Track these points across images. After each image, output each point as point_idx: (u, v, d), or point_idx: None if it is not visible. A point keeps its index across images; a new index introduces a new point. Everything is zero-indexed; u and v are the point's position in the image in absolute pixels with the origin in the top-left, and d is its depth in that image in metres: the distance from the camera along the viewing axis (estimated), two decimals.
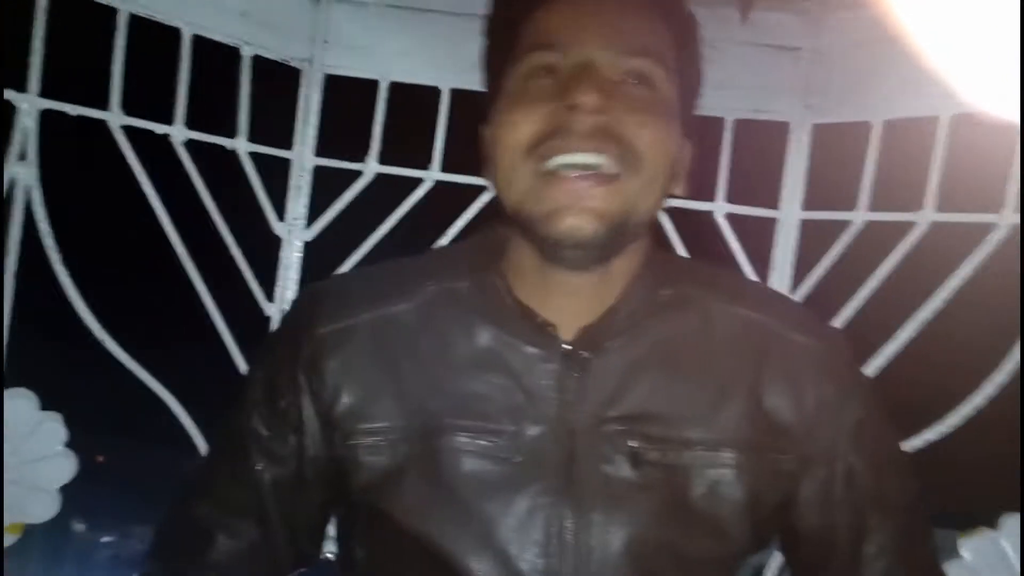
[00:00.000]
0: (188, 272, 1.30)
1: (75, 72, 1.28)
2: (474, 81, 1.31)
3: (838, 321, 1.30)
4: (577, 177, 0.68)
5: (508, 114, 0.71)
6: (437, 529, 0.72)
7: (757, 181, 1.41)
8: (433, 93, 1.37)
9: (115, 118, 1.22)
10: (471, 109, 1.33)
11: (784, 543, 0.82)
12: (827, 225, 1.35)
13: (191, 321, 1.37)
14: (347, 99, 1.43)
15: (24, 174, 1.17)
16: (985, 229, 1.21)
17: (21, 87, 1.15)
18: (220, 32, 1.28)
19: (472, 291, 0.77)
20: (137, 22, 1.22)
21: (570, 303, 0.75)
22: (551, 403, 0.73)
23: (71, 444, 1.23)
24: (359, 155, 1.40)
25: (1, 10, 1.05)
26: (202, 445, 1.31)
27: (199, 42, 1.27)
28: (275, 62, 1.34)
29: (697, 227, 1.35)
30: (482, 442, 0.73)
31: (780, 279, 1.35)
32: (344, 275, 1.05)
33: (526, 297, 0.75)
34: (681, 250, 1.34)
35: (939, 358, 1.36)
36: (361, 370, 0.76)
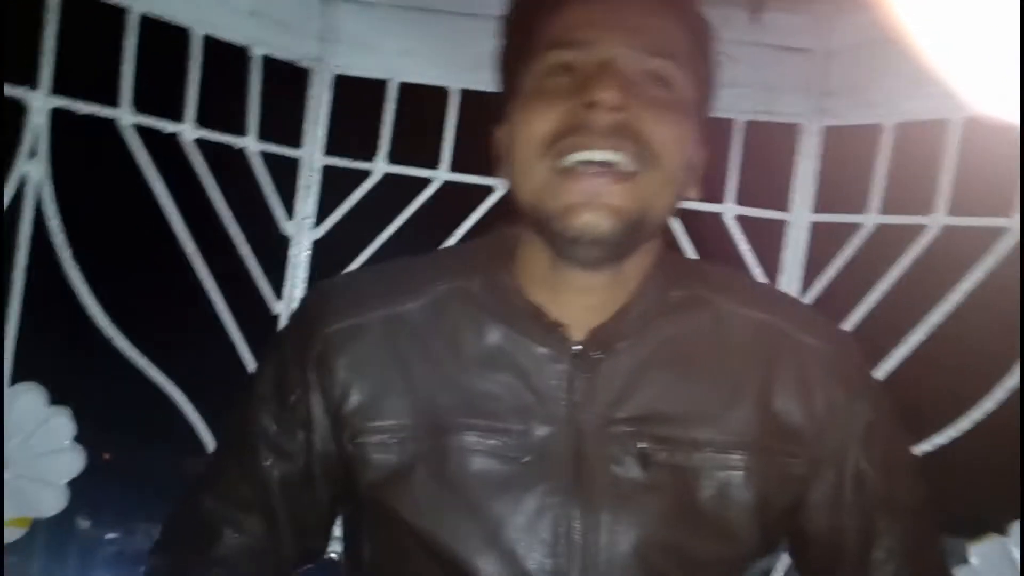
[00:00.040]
0: (197, 270, 1.31)
1: (86, 70, 1.28)
2: (483, 81, 1.32)
3: (848, 325, 1.29)
4: (594, 174, 0.68)
5: (526, 111, 0.71)
6: (444, 528, 0.72)
7: (767, 183, 1.40)
8: (442, 93, 1.37)
9: (125, 116, 1.23)
10: (480, 109, 1.34)
11: (792, 546, 0.82)
12: (837, 228, 1.34)
13: (199, 319, 1.38)
14: (356, 99, 1.43)
15: (35, 171, 1.18)
16: (996, 233, 1.21)
17: (32, 85, 1.16)
18: (230, 32, 1.28)
19: (482, 290, 0.77)
20: (147, 21, 1.22)
21: (581, 303, 0.75)
22: (560, 403, 0.73)
23: (78, 440, 1.24)
24: (368, 155, 1.40)
25: (13, 9, 1.06)
26: (209, 443, 1.31)
27: (209, 41, 1.27)
28: (284, 62, 1.34)
29: (706, 229, 1.35)
30: (491, 441, 0.73)
31: (789, 282, 1.35)
32: (354, 273, 1.05)
33: (536, 297, 0.75)
34: (690, 252, 1.34)
35: (949, 362, 1.36)
36: (371, 368, 0.76)
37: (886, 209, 1.30)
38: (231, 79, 1.32)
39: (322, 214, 1.41)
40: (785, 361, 0.76)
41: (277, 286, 1.39)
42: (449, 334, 0.76)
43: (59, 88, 1.18)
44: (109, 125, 1.22)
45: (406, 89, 1.38)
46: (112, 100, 1.22)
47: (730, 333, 0.77)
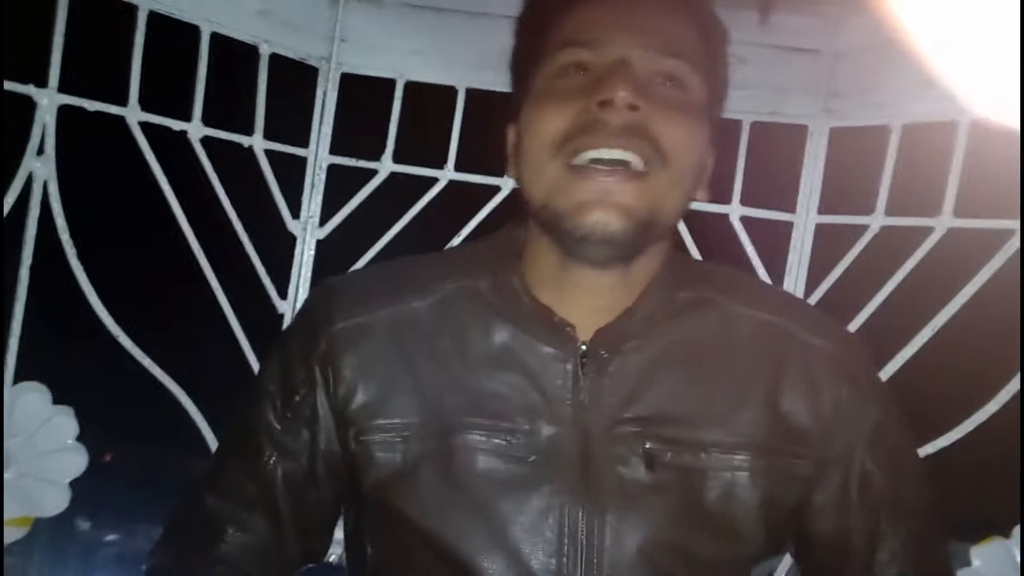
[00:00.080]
0: (202, 268, 1.31)
1: (94, 68, 1.28)
2: (490, 81, 1.32)
3: (852, 326, 1.29)
4: (606, 173, 0.68)
5: (538, 110, 0.71)
6: (449, 527, 0.72)
7: (773, 184, 1.40)
8: (449, 92, 1.37)
9: (133, 114, 1.23)
10: (487, 109, 1.34)
11: (797, 547, 0.82)
12: (843, 229, 1.34)
13: (204, 318, 1.38)
14: (363, 98, 1.43)
15: (42, 168, 1.18)
16: (1003, 235, 1.20)
17: (40, 82, 1.16)
18: (238, 30, 1.29)
19: (489, 289, 0.77)
20: (156, 19, 1.22)
21: (588, 303, 0.74)
22: (566, 403, 0.73)
23: (80, 440, 1.24)
24: (374, 154, 1.40)
25: (22, 6, 1.06)
26: (213, 443, 1.31)
27: (217, 40, 1.27)
28: (292, 60, 1.35)
29: (712, 230, 1.35)
30: (497, 441, 0.73)
31: (795, 283, 1.35)
32: (361, 271, 1.05)
33: (544, 297, 0.75)
34: (696, 253, 1.34)
35: (953, 364, 1.35)
36: (377, 366, 0.76)
37: (892, 210, 1.30)
38: (239, 77, 1.32)
39: (328, 213, 1.41)
40: (792, 362, 0.76)
41: (282, 285, 1.39)
42: (456, 333, 0.76)
43: (67, 86, 1.18)
44: (117, 123, 1.23)
45: (412, 88, 1.38)
46: (120, 98, 1.22)
47: (737, 334, 0.77)
